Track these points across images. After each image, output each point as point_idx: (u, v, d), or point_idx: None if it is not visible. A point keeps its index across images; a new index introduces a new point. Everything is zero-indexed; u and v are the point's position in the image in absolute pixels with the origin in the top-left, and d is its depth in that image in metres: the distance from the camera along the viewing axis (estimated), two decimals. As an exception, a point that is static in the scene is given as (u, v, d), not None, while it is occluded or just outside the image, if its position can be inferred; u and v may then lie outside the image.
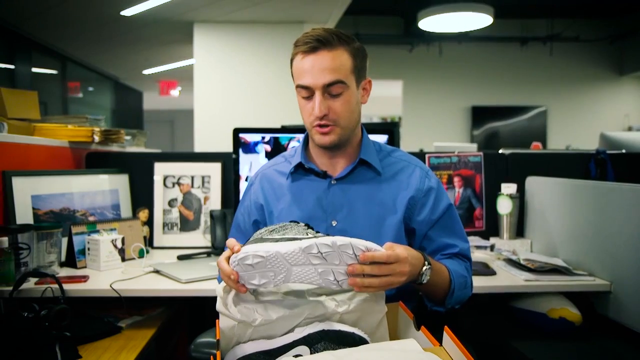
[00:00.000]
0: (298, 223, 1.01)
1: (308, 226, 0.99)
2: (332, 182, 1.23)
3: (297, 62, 1.14)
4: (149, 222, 2.08)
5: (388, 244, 0.98)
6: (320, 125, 1.15)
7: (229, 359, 0.95)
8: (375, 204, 1.21)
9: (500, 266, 1.73)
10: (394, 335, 1.07)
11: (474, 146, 4.36)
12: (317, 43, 1.10)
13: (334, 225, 1.21)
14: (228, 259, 0.96)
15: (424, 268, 1.03)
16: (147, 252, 1.87)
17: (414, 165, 1.26)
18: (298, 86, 1.15)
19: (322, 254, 0.89)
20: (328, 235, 0.92)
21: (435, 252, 1.24)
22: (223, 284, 1.01)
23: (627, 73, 7.99)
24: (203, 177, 2.14)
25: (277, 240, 0.93)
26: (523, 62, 7.90)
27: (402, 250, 0.96)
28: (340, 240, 0.88)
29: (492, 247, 1.96)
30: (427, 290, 1.13)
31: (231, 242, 0.98)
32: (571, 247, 1.74)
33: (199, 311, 2.07)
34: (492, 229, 2.08)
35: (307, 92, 1.14)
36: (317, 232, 0.96)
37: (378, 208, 1.20)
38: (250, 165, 1.94)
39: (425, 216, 1.21)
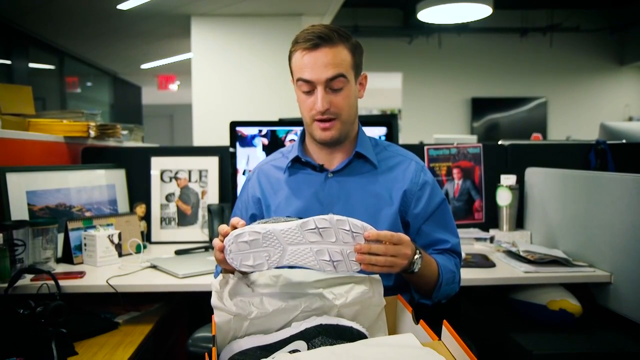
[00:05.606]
0: (292, 218, 1.00)
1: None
2: (329, 175, 1.24)
3: (298, 58, 1.14)
4: (147, 217, 2.07)
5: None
6: (322, 120, 1.15)
7: (225, 354, 0.94)
8: (371, 196, 1.22)
9: (500, 258, 1.72)
10: (393, 329, 1.06)
11: (474, 138, 4.35)
12: (318, 40, 1.11)
13: None
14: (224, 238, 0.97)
15: (415, 257, 1.04)
16: (145, 247, 1.86)
17: (410, 160, 1.28)
18: (299, 79, 1.14)
19: (319, 229, 0.91)
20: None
21: (427, 246, 1.24)
22: (219, 278, 1.01)
23: (628, 63, 7.95)
24: (200, 171, 2.13)
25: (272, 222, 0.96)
26: (523, 53, 7.86)
27: (404, 234, 0.99)
28: (337, 216, 0.91)
29: (491, 239, 1.95)
30: (416, 281, 1.14)
31: (235, 218, 0.99)
32: (571, 239, 1.73)
33: (198, 306, 2.06)
34: (491, 220, 2.07)
35: (308, 86, 1.14)
36: None
37: (374, 199, 1.21)
38: (248, 158, 1.92)
39: (421, 209, 1.22)
